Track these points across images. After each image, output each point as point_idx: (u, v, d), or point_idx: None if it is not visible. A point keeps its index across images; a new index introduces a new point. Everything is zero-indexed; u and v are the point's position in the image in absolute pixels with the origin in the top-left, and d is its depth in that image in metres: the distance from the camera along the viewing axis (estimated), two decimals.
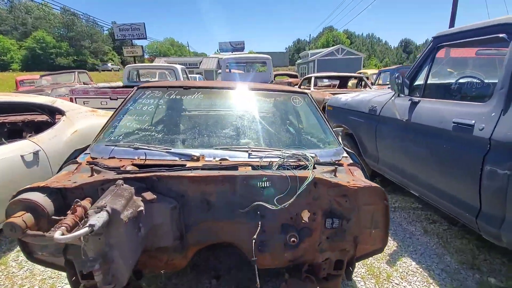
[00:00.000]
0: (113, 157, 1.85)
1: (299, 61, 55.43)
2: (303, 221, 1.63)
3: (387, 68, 12.83)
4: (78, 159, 1.86)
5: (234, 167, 1.71)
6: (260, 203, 1.56)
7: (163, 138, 2.15)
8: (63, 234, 1.14)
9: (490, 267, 2.56)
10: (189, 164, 1.76)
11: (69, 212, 1.28)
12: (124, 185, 1.46)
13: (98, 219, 1.15)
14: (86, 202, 1.40)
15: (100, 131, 2.19)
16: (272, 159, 1.79)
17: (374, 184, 1.62)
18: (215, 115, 2.71)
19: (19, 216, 1.28)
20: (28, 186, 1.44)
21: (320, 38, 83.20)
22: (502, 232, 2.02)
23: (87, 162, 1.77)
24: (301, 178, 1.58)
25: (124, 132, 2.22)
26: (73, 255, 1.43)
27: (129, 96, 2.48)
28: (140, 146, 1.90)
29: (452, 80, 2.91)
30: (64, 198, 1.50)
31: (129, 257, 1.37)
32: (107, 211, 1.20)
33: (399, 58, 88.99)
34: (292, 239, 1.61)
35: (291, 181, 1.58)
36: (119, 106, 2.40)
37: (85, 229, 1.10)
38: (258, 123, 2.30)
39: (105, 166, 1.69)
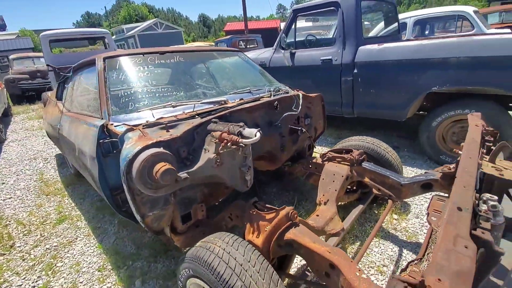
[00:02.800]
0: (161, 118, 2.02)
1: (113, 37, 47.91)
2: (300, 123, 2.75)
3: (221, 38, 14.74)
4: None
5: (257, 99, 2.48)
6: (288, 113, 2.49)
7: (178, 95, 2.40)
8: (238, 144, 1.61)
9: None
10: (228, 105, 2.31)
11: (223, 134, 1.67)
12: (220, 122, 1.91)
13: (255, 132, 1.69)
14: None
15: (101, 107, 2.08)
16: (268, 92, 2.68)
17: (318, 94, 2.96)
18: (201, 73, 3.04)
19: (164, 165, 1.52)
20: (143, 145, 1.57)
21: (118, 12, 74.10)
22: (354, 110, 4.11)
23: (147, 125, 1.87)
24: (297, 96, 2.65)
25: (138, 98, 2.22)
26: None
27: (99, 68, 2.31)
28: (177, 104, 2.16)
29: (310, 38, 4.74)
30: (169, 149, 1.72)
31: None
32: (258, 131, 1.72)
33: (202, 32, 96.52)
34: (298, 133, 2.69)
35: (294, 99, 2.61)
36: (98, 80, 2.23)
37: (256, 137, 1.64)
38: (236, 73, 2.99)
39: (174, 120, 1.93)
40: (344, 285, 1.36)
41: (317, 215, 2.12)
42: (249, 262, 1.35)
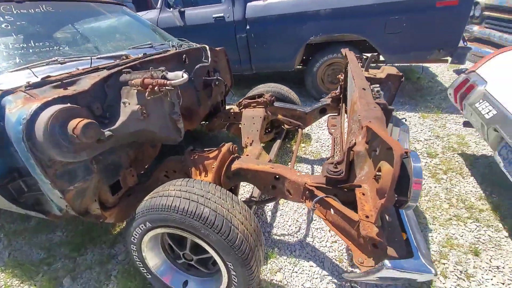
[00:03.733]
0: (49, 76, 1.60)
1: None
2: (211, 74, 2.76)
3: None
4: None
5: (165, 51, 2.30)
6: (200, 65, 2.44)
7: (62, 51, 1.91)
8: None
9: None
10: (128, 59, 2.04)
11: (146, 77, 1.50)
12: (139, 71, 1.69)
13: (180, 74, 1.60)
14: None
15: None
16: (172, 47, 2.53)
17: (221, 48, 3.02)
18: (82, 27, 2.40)
19: (82, 119, 1.30)
20: (42, 102, 1.25)
21: None
22: (252, 66, 4.40)
23: (30, 86, 1.46)
24: (204, 48, 2.62)
25: (3, 56, 1.63)
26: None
27: None
28: (66, 60, 1.74)
29: None
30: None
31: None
32: (183, 72, 1.62)
33: None
34: (212, 85, 2.72)
35: (201, 51, 2.57)
36: None
37: (184, 78, 1.57)
38: (127, 28, 2.59)
39: (70, 76, 1.58)
40: (290, 187, 1.62)
41: (247, 155, 2.31)
42: (209, 192, 1.38)
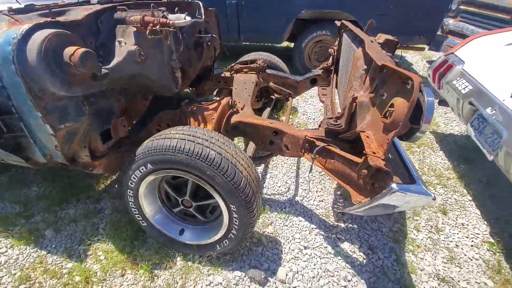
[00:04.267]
0: (32, 4, 1.43)
1: None
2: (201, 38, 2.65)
3: None
4: None
5: None
6: (194, 19, 2.32)
7: None
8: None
9: None
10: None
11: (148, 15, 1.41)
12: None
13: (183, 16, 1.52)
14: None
15: None
16: None
17: (212, 8, 2.89)
18: None
19: (78, 48, 1.20)
20: (34, 23, 1.13)
21: None
22: (241, 36, 4.29)
23: (14, 11, 1.29)
24: (198, 4, 2.49)
25: None
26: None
27: None
28: None
29: None
30: None
31: None
32: (186, 14, 1.54)
33: None
34: (204, 45, 2.62)
35: (194, 7, 2.45)
36: None
37: (187, 19, 1.49)
38: None
39: (59, 6, 1.43)
40: (288, 142, 1.67)
41: None
42: (212, 137, 1.37)
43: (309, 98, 3.86)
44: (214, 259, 1.62)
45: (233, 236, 1.45)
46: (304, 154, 1.59)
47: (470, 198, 2.22)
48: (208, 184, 1.31)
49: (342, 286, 1.56)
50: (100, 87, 1.42)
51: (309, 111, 3.54)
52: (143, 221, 1.57)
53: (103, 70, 1.34)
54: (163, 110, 1.93)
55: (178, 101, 2.12)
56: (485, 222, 2.03)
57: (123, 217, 1.87)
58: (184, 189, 1.52)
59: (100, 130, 1.61)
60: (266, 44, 5.93)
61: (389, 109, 0.97)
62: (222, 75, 2.87)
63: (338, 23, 2.71)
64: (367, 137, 1.17)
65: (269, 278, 1.56)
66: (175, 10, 2.23)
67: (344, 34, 2.33)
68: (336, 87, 2.54)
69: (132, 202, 1.49)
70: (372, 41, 1.42)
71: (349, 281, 1.59)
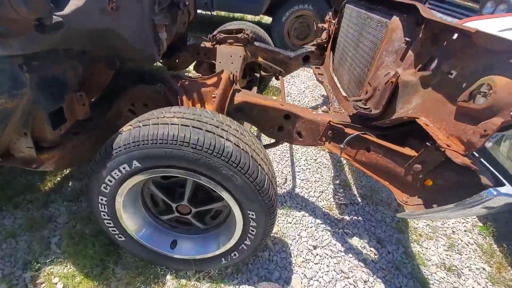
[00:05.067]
0: None
1: None
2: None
3: None
4: None
5: None
6: None
7: None
8: None
9: None
10: None
11: None
12: None
13: None
14: None
15: None
16: None
17: None
18: None
19: None
20: None
21: None
22: (213, 2, 3.73)
23: None
24: None
25: None
26: None
27: None
28: None
29: None
30: None
31: None
32: None
33: None
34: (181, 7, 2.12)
35: None
36: None
37: None
38: None
39: None
40: (302, 128, 1.39)
41: None
42: (223, 123, 1.02)
43: (290, 78, 3.60)
44: (214, 272, 1.32)
45: (245, 248, 1.16)
46: (324, 143, 1.34)
47: None
48: (220, 186, 0.98)
49: None
50: (49, 45, 0.93)
51: (293, 92, 3.28)
52: (119, 236, 1.17)
53: (55, 17, 0.86)
54: (136, 87, 1.47)
55: (151, 76, 1.66)
56: None
57: (84, 226, 1.42)
58: (178, 191, 1.16)
59: (49, 110, 1.11)
60: (237, 16, 5.39)
61: (482, 91, 0.76)
62: (202, 45, 2.40)
63: None
64: (427, 125, 0.96)
65: None
66: None
67: (349, 5, 2.07)
68: (333, 65, 2.31)
69: (105, 213, 1.07)
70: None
71: (365, 281, 1.46)
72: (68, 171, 1.75)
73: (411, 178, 1.03)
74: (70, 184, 1.66)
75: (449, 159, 0.88)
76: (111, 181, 0.98)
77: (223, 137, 0.94)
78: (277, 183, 1.97)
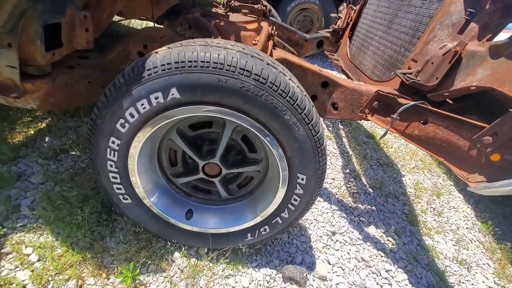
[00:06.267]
0: None
1: None
2: None
3: None
4: None
5: None
6: None
7: None
8: None
9: None
10: None
11: None
12: None
13: None
14: None
15: None
16: None
17: None
18: None
19: None
20: None
21: None
22: None
23: None
24: None
25: None
26: None
27: None
28: None
29: None
30: None
31: None
32: None
33: None
34: None
35: None
36: None
37: None
38: None
39: None
40: (340, 98, 1.25)
41: None
42: (278, 65, 0.83)
43: None
44: (230, 253, 1.11)
45: (280, 222, 0.97)
46: (367, 115, 1.21)
47: (452, 183, 2.32)
48: (274, 138, 0.78)
49: (383, 278, 1.31)
50: None
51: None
52: (126, 197, 0.91)
53: None
54: (145, 28, 1.22)
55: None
56: (469, 206, 2.13)
57: (67, 189, 1.12)
58: (205, 148, 0.94)
59: (45, 22, 0.83)
60: None
61: None
62: (213, 10, 2.16)
63: None
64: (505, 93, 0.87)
65: (308, 276, 1.17)
66: None
67: None
68: (350, 52, 2.23)
69: (113, 162, 0.81)
70: None
71: (388, 271, 1.35)
72: (44, 124, 1.41)
73: (476, 152, 0.94)
74: (46, 140, 1.33)
75: None
76: (133, 116, 0.73)
77: (287, 76, 0.76)
78: None
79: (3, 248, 0.88)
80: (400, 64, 1.45)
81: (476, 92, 1.01)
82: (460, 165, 0.99)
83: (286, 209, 0.94)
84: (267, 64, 0.74)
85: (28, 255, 0.89)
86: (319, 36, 2.38)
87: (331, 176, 1.87)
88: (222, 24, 1.10)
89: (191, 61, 0.67)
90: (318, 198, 1.64)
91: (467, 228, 1.91)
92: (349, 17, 2.32)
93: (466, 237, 1.82)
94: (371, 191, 1.87)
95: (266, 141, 0.80)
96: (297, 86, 0.77)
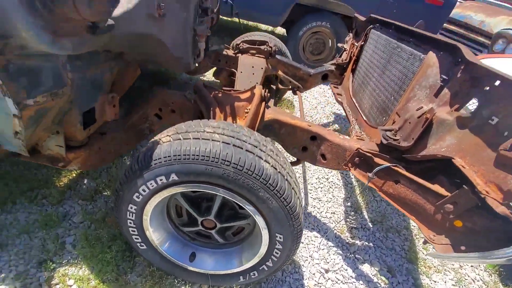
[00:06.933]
0: None
1: None
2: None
3: None
4: None
5: None
6: None
7: None
8: None
9: None
10: None
11: None
12: None
13: None
14: None
15: None
16: None
17: None
18: None
19: None
20: None
21: None
22: (234, 9, 3.76)
23: None
24: None
25: None
26: None
27: None
28: None
29: None
30: None
31: None
32: None
33: None
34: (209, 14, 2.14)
35: None
36: None
37: None
38: None
39: None
40: (327, 151, 1.40)
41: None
42: (260, 142, 1.02)
43: (303, 92, 3.62)
44: None
45: (266, 269, 1.15)
46: (350, 169, 1.34)
47: None
48: (253, 207, 0.97)
49: None
50: (96, 46, 0.93)
51: (305, 107, 3.30)
52: (141, 244, 1.15)
53: (109, 21, 0.86)
54: (158, 88, 1.47)
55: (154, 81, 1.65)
56: None
57: (100, 228, 1.40)
58: (204, 205, 1.15)
59: (83, 110, 1.11)
60: (251, 24, 5.44)
61: None
62: (224, 52, 2.41)
63: (360, 17, 2.48)
64: (463, 166, 0.97)
65: None
66: None
67: (374, 31, 2.11)
68: (352, 87, 2.33)
69: (132, 221, 1.06)
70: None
71: None
72: None
73: (440, 217, 1.04)
74: (85, 182, 1.64)
75: (483, 204, 0.90)
76: (144, 191, 0.97)
77: (262, 159, 0.94)
78: None
79: (52, 279, 1.17)
80: (390, 112, 1.56)
81: None
82: (429, 226, 1.08)
83: (270, 259, 1.12)
84: (246, 151, 0.93)
85: (71, 286, 1.17)
86: (323, 70, 2.52)
87: (331, 210, 1.99)
88: (220, 95, 1.31)
89: (185, 154, 0.89)
90: (315, 234, 1.77)
91: (471, 266, 1.90)
92: (351, 52, 2.43)
93: (468, 276, 1.82)
94: (371, 225, 1.96)
95: (248, 209, 0.99)
96: (271, 166, 0.95)
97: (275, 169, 0.96)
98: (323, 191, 2.13)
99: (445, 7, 3.59)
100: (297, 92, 2.57)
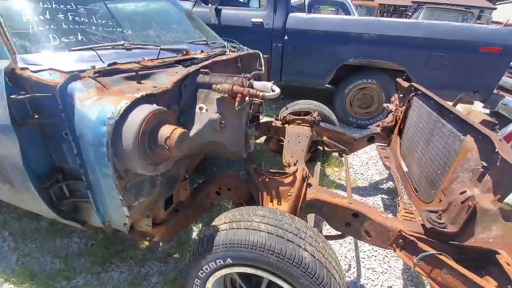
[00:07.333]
0: (115, 63, 1.36)
1: None
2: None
3: None
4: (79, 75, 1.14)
5: (222, 52, 2.12)
6: (256, 72, 2.26)
7: (125, 34, 1.67)
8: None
9: None
10: (191, 55, 1.83)
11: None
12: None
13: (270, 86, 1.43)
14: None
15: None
16: (222, 48, 2.34)
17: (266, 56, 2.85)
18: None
19: (175, 128, 1.09)
20: (132, 100, 1.02)
21: None
22: (282, 77, 4.25)
23: (99, 73, 1.21)
24: (258, 54, 2.46)
25: (63, 29, 1.37)
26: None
27: None
28: (132, 46, 1.51)
29: None
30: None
31: None
32: (272, 83, 1.45)
33: None
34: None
35: (255, 57, 2.41)
36: None
37: (276, 91, 1.40)
38: (174, 19, 2.37)
39: (144, 67, 1.36)
40: (371, 229, 1.46)
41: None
42: (300, 230, 1.19)
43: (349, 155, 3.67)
44: None
45: None
46: (395, 250, 1.37)
47: None
48: None
49: None
50: (177, 158, 1.30)
51: (354, 163, 3.33)
52: None
53: None
54: (222, 171, 1.79)
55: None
56: None
57: None
58: (255, 280, 1.32)
59: (165, 197, 1.47)
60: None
61: None
62: (273, 124, 2.75)
63: (404, 83, 2.57)
64: (508, 264, 0.95)
65: None
66: (238, 61, 2.20)
67: (416, 98, 2.18)
68: (400, 150, 2.34)
69: None
70: (500, 140, 1.23)
71: None
72: None
73: None
74: (160, 245, 2.00)
75: None
76: (207, 269, 1.21)
77: (301, 247, 1.10)
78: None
79: None
80: (438, 186, 1.55)
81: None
82: None
83: None
84: (287, 240, 1.11)
85: None
86: (369, 133, 2.61)
87: (388, 283, 1.89)
88: (266, 180, 1.56)
89: (238, 243, 1.12)
90: None
91: None
92: (396, 115, 2.49)
93: None
94: None
95: None
96: (310, 254, 1.09)
97: (314, 257, 1.10)
98: (377, 261, 2.06)
99: (505, 54, 3.39)
100: (343, 154, 2.68)
